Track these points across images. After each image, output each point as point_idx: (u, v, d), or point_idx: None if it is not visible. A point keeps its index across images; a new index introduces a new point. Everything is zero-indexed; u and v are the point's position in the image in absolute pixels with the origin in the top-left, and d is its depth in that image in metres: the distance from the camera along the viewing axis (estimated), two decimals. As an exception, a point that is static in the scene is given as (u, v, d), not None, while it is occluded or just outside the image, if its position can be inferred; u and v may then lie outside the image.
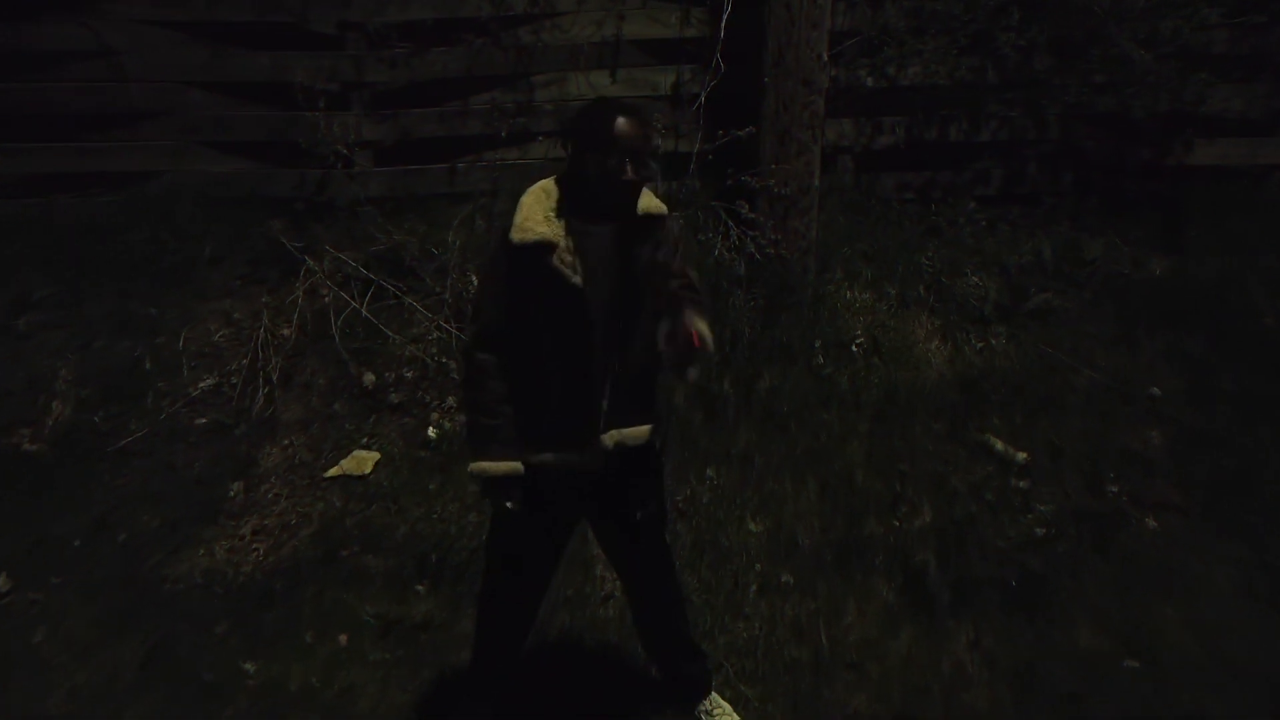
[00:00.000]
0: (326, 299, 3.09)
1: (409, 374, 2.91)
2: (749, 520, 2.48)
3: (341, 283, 3.15)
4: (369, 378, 2.89)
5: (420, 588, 2.28)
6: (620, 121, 1.44)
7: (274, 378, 2.83)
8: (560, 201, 1.52)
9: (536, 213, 1.50)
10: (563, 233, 1.49)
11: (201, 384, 2.88)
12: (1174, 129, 3.72)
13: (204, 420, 2.79)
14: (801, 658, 2.15)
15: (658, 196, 1.72)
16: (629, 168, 1.45)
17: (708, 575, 2.35)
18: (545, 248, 1.47)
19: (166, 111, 3.55)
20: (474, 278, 3.15)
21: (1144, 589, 2.35)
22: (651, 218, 1.56)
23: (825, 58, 3.03)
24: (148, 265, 3.36)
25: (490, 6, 3.47)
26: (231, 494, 2.56)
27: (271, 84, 3.51)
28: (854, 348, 3.04)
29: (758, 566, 2.37)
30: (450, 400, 2.82)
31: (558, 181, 1.57)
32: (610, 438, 1.56)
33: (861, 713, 2.03)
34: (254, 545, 2.42)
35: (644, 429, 1.61)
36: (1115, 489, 2.61)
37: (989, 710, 2.04)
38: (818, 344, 3.04)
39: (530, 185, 1.60)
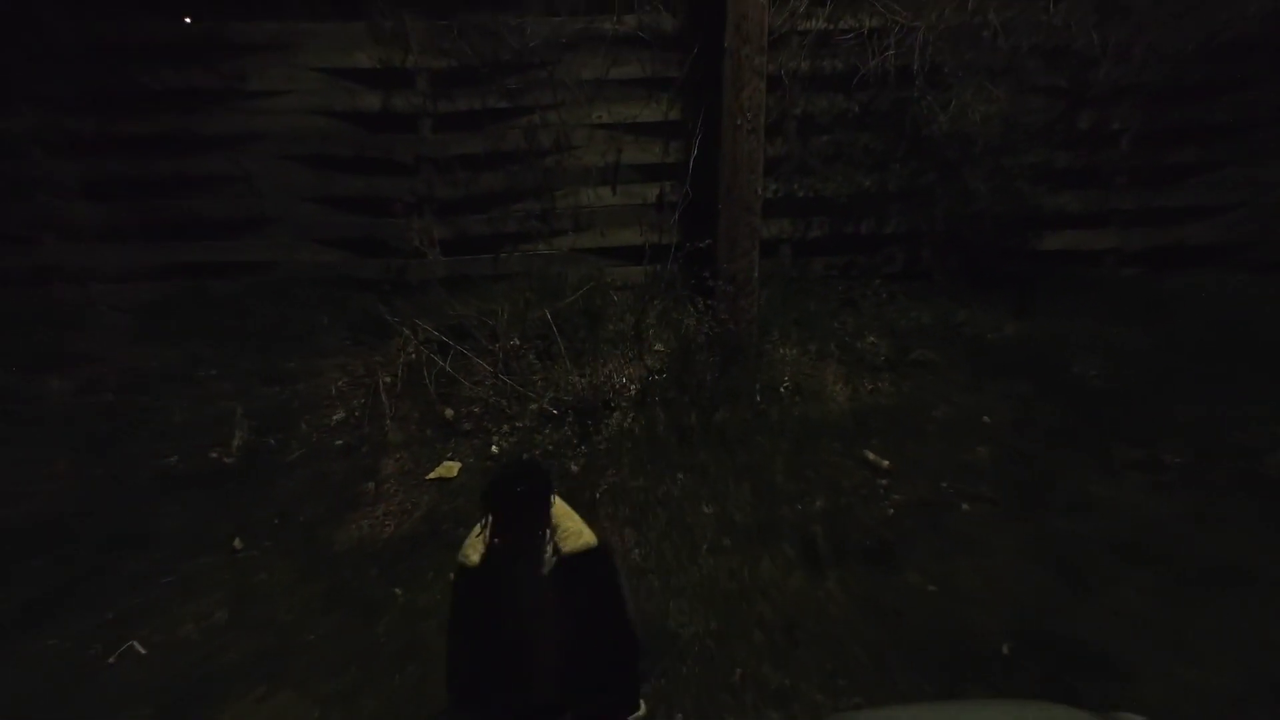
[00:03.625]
0: (414, 356, 4.68)
1: (476, 409, 4.50)
2: (704, 506, 4.05)
3: (425, 343, 4.74)
4: (449, 412, 4.47)
5: (495, 548, 3.85)
6: (493, 491, 1.95)
7: (388, 413, 4.41)
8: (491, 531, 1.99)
9: (476, 540, 1.99)
10: (487, 556, 1.95)
11: (335, 417, 4.47)
12: (1032, 224, 5.36)
13: (340, 442, 4.37)
14: (732, 589, 3.70)
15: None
16: (502, 533, 1.93)
17: (677, 540, 3.91)
18: (475, 570, 1.95)
19: (287, 218, 5.18)
20: (515, 340, 4.76)
21: (956, 550, 3.91)
22: (579, 556, 1.98)
23: (760, 190, 4.65)
24: (277, 331, 4.97)
25: (525, 143, 5.12)
26: (367, 490, 4.13)
27: (365, 198, 5.15)
28: (782, 390, 4.63)
29: (708, 535, 3.93)
30: (505, 428, 4.40)
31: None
32: None
33: (766, 618, 3.58)
34: (386, 523, 3.98)
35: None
36: (947, 485, 4.18)
37: (844, 616, 3.59)
38: (757, 387, 4.64)
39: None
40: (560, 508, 2.08)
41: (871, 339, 4.93)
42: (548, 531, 2.02)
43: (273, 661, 3.34)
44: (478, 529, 2.04)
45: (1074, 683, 3.12)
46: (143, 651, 3.37)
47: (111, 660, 3.34)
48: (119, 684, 3.25)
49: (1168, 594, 3.62)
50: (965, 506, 4.09)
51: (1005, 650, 3.35)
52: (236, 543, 3.84)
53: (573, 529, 2.04)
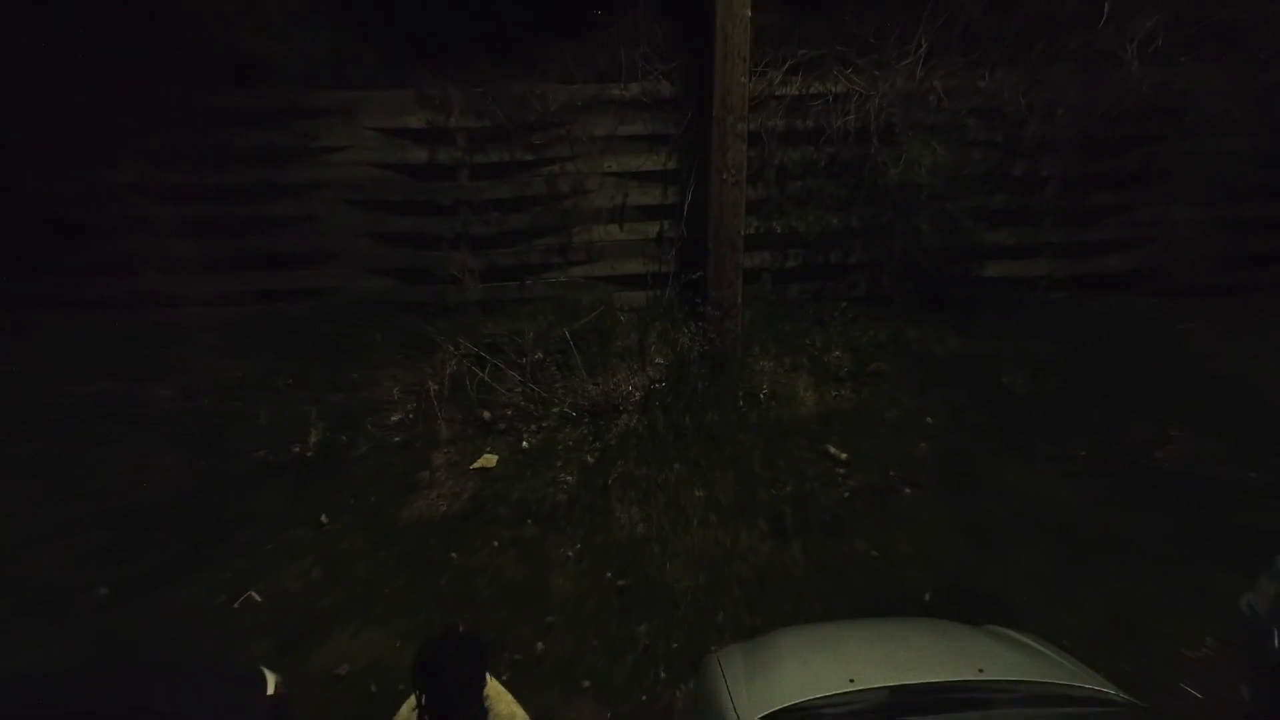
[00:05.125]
0: (456, 367, 5.67)
1: (508, 412, 5.49)
2: (695, 490, 5.03)
3: (465, 356, 5.74)
4: (486, 414, 5.47)
5: (529, 522, 4.84)
6: (422, 671, 1.78)
7: (438, 415, 5.42)
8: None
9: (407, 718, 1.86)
10: None
11: (393, 419, 5.47)
12: (974, 256, 6.36)
13: (398, 439, 5.37)
14: (717, 554, 4.67)
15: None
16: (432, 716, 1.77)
17: (673, 517, 4.88)
18: None
19: (347, 252, 6.19)
20: (539, 354, 5.76)
21: (896, 525, 4.88)
22: None
23: (742, 231, 5.64)
24: (340, 347, 5.97)
25: (546, 189, 6.12)
26: (423, 478, 5.13)
27: (411, 235, 6.15)
28: (760, 396, 5.63)
29: (699, 512, 4.91)
30: (533, 427, 5.40)
31: None
32: None
33: (743, 575, 4.56)
34: (439, 503, 4.96)
35: None
36: (893, 474, 5.17)
37: (804, 575, 4.57)
38: (740, 394, 5.63)
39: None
40: (493, 688, 2.01)
41: (836, 353, 5.92)
42: (480, 715, 1.95)
43: (360, 607, 4.33)
44: (408, 707, 1.93)
45: (974, 620, 4.10)
46: (259, 600, 4.37)
47: (235, 606, 4.33)
48: (243, 624, 4.24)
49: (1063, 559, 4.60)
50: (907, 490, 5.08)
51: (926, 598, 4.35)
52: (323, 519, 4.83)
53: (504, 712, 1.97)
